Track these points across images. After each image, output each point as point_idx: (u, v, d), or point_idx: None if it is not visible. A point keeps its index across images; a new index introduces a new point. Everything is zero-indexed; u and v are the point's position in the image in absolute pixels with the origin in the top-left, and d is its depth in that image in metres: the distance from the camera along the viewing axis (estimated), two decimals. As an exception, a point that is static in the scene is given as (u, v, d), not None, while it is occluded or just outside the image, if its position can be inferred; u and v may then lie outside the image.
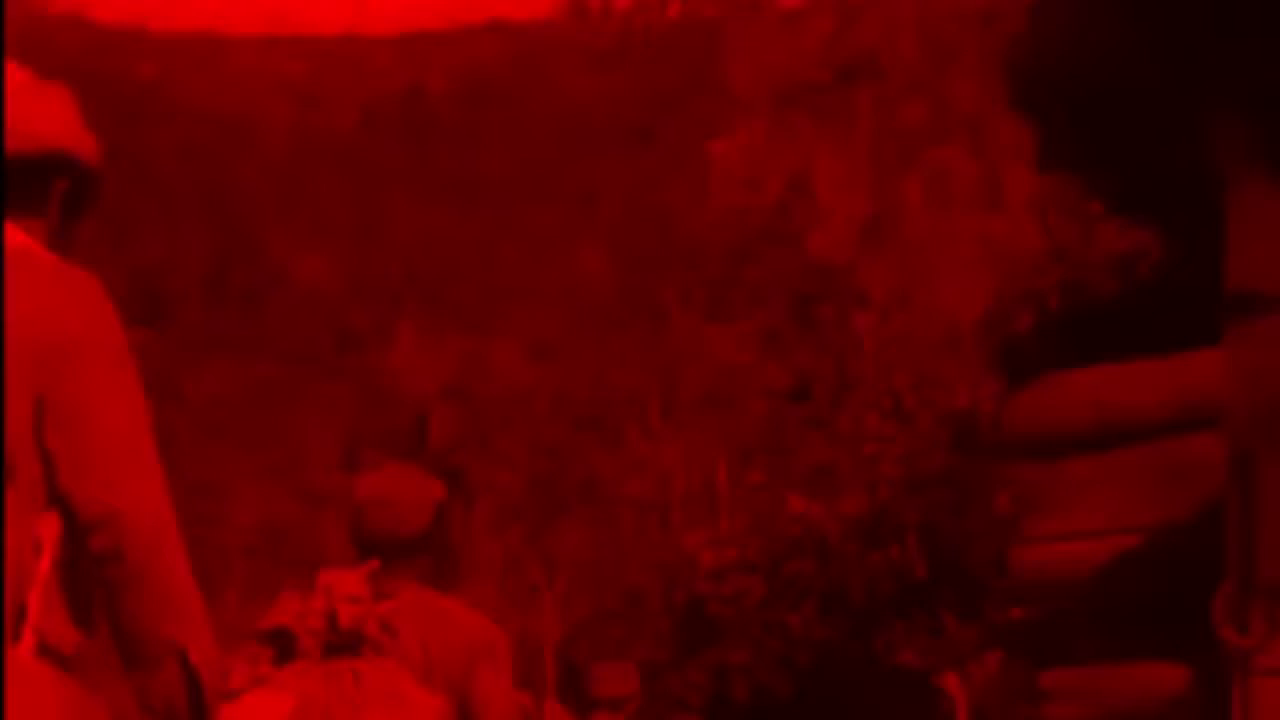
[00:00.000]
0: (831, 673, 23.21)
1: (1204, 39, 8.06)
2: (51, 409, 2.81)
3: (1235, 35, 7.79)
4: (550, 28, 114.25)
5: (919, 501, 22.40)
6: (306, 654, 4.27)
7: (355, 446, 73.89)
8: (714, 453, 46.60)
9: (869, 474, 23.40)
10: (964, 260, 36.87)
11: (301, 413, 69.92)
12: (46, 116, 3.03)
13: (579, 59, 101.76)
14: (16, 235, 2.93)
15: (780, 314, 47.24)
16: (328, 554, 24.62)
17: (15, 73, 3.06)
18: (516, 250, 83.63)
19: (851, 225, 47.96)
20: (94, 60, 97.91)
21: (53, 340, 2.80)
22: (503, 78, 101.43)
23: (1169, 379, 10.10)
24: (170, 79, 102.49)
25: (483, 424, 72.62)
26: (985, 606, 21.28)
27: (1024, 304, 11.93)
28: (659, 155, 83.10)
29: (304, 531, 59.04)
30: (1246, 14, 7.69)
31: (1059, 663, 10.50)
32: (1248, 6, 7.71)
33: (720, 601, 24.05)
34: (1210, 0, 7.94)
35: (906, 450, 22.81)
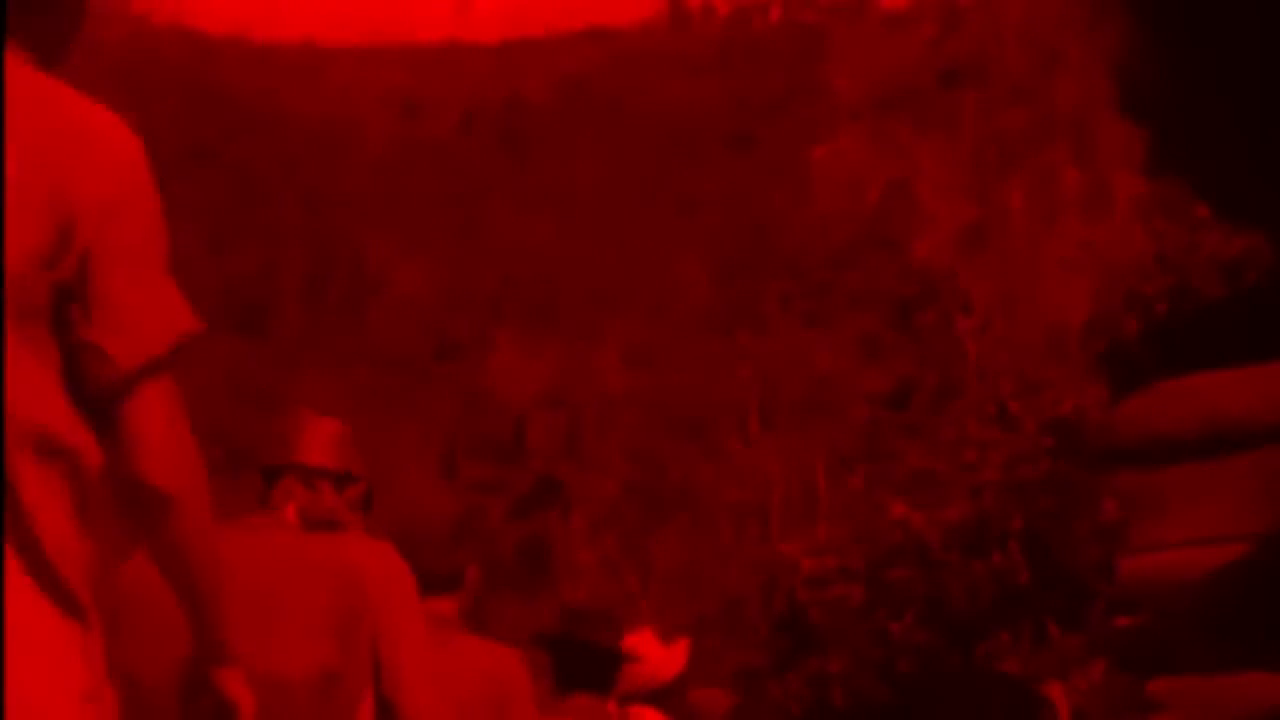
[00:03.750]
0: (932, 681, 23.05)
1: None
2: (95, 263, 2.59)
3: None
4: (649, 34, 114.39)
5: (1022, 508, 22.19)
6: None
7: (453, 454, 74.17)
8: (813, 459, 46.43)
9: (971, 480, 23.21)
10: (1068, 265, 36.58)
11: (400, 421, 70.23)
12: None
13: (678, 65, 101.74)
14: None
15: (880, 320, 47.14)
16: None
17: None
18: (615, 257, 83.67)
19: (954, 230, 47.81)
20: (196, 71, 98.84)
21: (105, 194, 2.60)
22: (602, 84, 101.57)
23: (1278, 385, 9.96)
24: (271, 89, 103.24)
25: (580, 431, 72.73)
26: (1090, 614, 21.07)
27: (1130, 309, 11.80)
28: (759, 161, 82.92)
29: (401, 541, 59.30)
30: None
31: (1165, 672, 10.36)
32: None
33: (820, 609, 23.92)
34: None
35: (1009, 456, 22.61)
